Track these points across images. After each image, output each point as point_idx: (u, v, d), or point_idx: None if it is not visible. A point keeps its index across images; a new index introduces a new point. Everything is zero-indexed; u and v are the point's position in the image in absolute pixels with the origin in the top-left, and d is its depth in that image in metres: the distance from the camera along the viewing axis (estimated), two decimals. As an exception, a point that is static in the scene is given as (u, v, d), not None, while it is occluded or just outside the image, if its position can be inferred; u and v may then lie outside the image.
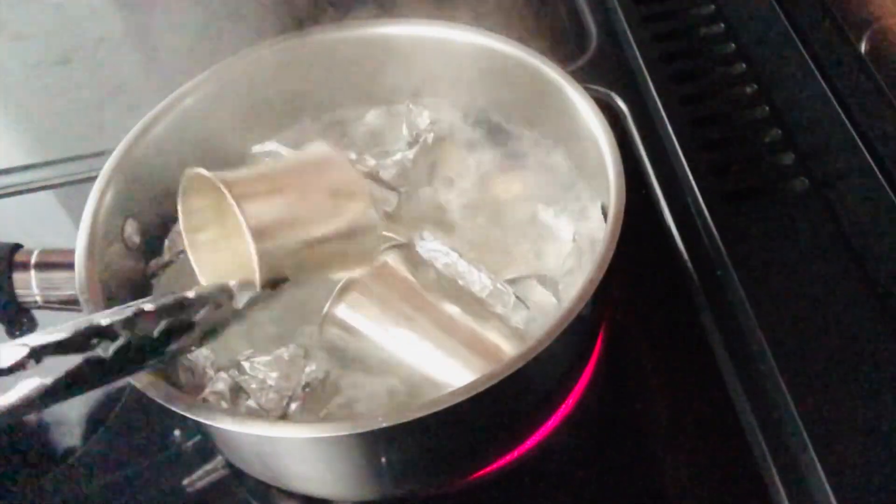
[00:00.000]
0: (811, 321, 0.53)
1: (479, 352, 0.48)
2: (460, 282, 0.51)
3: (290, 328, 0.51)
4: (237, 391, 0.47)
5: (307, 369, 0.48)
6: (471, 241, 0.55)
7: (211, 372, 0.48)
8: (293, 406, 0.47)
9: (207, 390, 0.47)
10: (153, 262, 0.53)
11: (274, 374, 0.47)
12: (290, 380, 0.47)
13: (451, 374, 0.48)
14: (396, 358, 0.49)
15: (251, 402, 0.47)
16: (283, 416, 0.47)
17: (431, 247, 0.52)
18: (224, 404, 0.47)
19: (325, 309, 0.49)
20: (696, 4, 0.75)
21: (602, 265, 0.44)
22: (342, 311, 0.49)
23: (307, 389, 0.47)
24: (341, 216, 0.48)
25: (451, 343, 0.48)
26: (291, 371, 0.48)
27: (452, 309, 0.50)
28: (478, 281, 0.51)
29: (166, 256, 0.54)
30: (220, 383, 0.47)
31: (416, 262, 0.52)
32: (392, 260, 0.51)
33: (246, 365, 0.48)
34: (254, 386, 0.47)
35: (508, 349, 0.48)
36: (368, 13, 0.61)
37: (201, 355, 0.48)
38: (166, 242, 0.55)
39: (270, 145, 0.58)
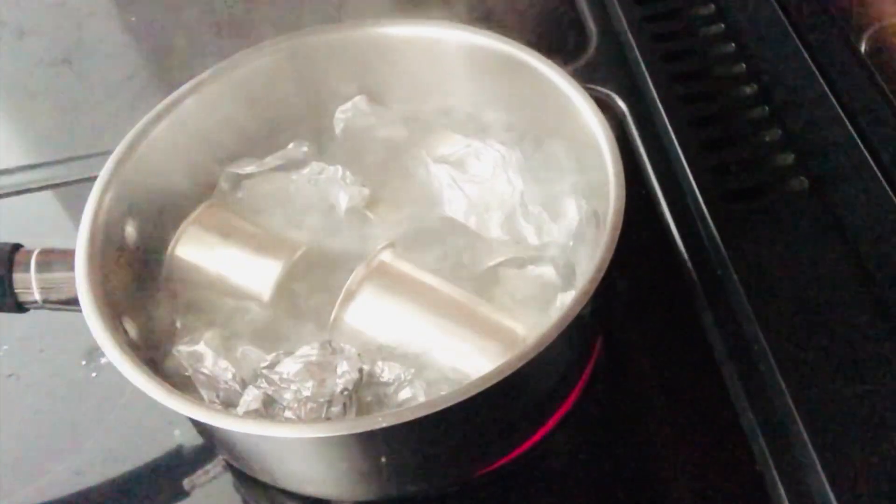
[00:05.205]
0: (811, 321, 0.53)
1: (492, 335, 0.49)
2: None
3: (301, 330, 0.51)
4: (271, 403, 0.46)
5: (339, 370, 0.46)
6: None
7: (236, 385, 0.47)
8: (334, 410, 0.45)
9: (241, 410, 0.46)
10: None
11: (309, 384, 0.45)
12: (325, 385, 0.45)
13: (468, 360, 0.48)
14: (412, 350, 0.49)
15: (289, 414, 0.45)
16: None
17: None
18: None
19: (333, 314, 0.49)
20: (696, 4, 0.75)
21: (602, 264, 0.44)
22: (350, 314, 0.49)
23: (345, 393, 0.45)
24: None
25: (464, 328, 0.49)
26: (326, 375, 0.46)
27: (459, 293, 0.50)
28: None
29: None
30: (253, 401, 0.46)
31: (418, 245, 0.53)
32: (388, 257, 0.51)
33: (275, 376, 0.46)
34: (288, 397, 0.46)
35: (519, 329, 0.49)
36: (365, 13, 0.61)
37: (219, 368, 0.48)
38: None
39: (249, 167, 0.58)
